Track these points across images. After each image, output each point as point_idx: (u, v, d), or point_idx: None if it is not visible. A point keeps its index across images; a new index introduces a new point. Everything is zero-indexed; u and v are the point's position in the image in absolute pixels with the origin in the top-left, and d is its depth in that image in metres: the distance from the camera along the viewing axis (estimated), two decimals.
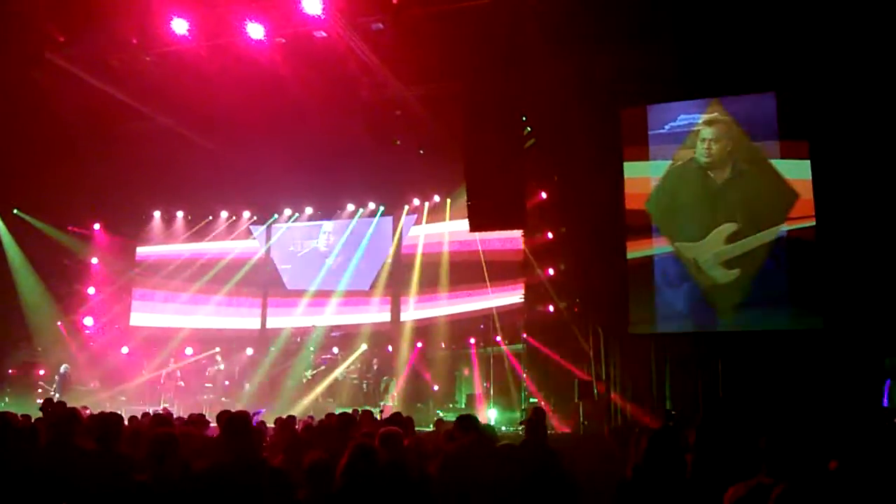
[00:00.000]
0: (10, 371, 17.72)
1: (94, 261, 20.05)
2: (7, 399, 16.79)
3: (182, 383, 17.87)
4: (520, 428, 12.22)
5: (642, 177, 13.39)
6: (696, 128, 13.10)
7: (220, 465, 4.22)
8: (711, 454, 4.08)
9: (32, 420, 7.39)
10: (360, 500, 4.01)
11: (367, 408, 12.11)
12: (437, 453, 5.95)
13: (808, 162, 12.33)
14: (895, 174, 11.48)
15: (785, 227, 12.34)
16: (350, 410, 11.03)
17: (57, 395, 14.88)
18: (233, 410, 6.23)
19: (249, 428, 4.36)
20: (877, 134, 11.62)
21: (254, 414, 10.56)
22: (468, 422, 5.87)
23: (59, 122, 15.82)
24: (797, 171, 12.43)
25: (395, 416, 8.00)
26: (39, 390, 17.03)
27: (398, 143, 16.12)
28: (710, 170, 12.96)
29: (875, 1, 11.12)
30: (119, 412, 13.71)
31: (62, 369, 17.03)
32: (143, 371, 18.42)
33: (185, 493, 4.05)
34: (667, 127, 13.33)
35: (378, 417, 10.34)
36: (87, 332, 19.40)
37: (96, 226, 20.04)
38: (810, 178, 12.29)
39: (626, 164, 13.47)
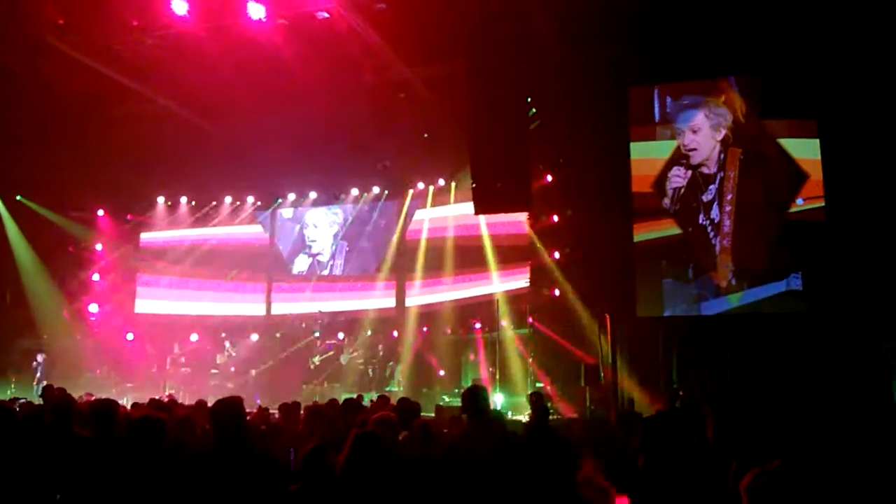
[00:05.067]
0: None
1: (99, 247, 19.98)
2: (13, 387, 16.76)
3: (187, 369, 17.82)
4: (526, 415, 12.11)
5: (649, 157, 13.22)
6: (704, 107, 12.92)
7: (204, 451, 4.11)
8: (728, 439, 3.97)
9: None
10: (358, 488, 3.90)
11: (379, 393, 12.00)
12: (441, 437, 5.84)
13: (817, 141, 12.15)
14: None
15: (794, 208, 12.18)
16: (355, 395, 10.95)
17: (44, 383, 14.79)
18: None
19: (238, 415, 4.22)
20: (886, 113, 11.43)
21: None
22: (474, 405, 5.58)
23: (61, 107, 15.74)
24: (806, 151, 12.26)
25: (403, 402, 7.91)
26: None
27: (426, 136, 16.08)
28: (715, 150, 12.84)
29: None
30: (124, 399, 13.81)
31: (40, 358, 17.00)
32: (147, 358, 18.35)
33: (169, 480, 3.95)
34: (674, 106, 13.15)
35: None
36: (92, 319, 19.35)
37: (100, 212, 19.96)
38: (819, 157, 12.11)
39: (633, 144, 13.29)
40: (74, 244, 19.62)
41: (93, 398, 9.28)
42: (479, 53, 11.86)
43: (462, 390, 15.65)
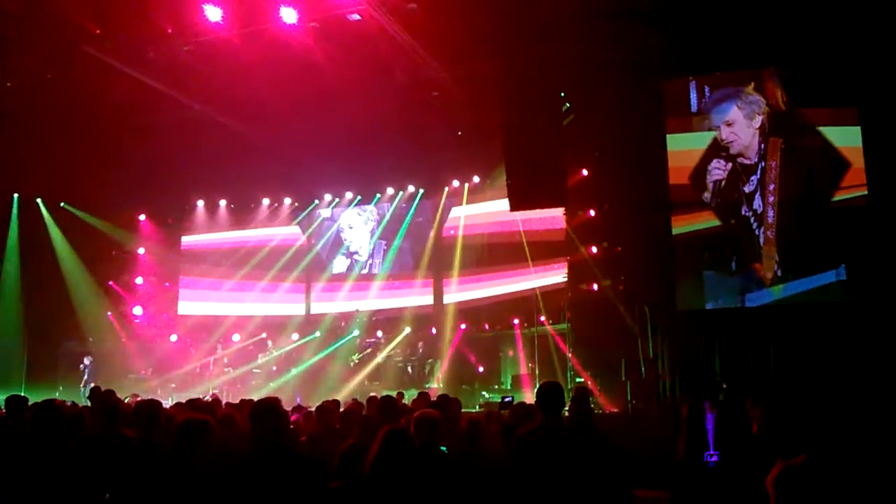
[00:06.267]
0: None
1: (141, 251, 20.34)
2: (61, 388, 17.16)
3: (230, 369, 18.07)
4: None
5: (686, 149, 13.06)
6: (736, 97, 12.74)
7: (243, 454, 4.14)
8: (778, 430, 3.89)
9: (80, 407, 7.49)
10: (391, 486, 3.92)
11: (419, 390, 12.03)
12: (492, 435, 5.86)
13: (859, 129, 11.90)
14: None
15: (837, 197, 11.94)
16: (395, 393, 11.02)
17: (91, 385, 15.09)
18: (280, 396, 6.16)
19: (277, 415, 4.24)
20: None
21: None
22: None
23: (101, 115, 16.00)
24: (847, 139, 12.01)
25: (442, 398, 7.94)
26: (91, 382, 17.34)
27: (460, 133, 16.11)
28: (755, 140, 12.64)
29: None
30: (168, 399, 14.04)
31: (86, 360, 17.35)
32: (191, 358, 18.64)
33: (209, 482, 4.01)
34: (710, 98, 12.98)
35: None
36: (137, 321, 19.71)
37: (141, 216, 20.32)
38: (861, 145, 11.86)
39: (669, 136, 13.13)
40: (117, 248, 20.01)
41: (139, 399, 9.45)
42: (511, 51, 11.84)
43: (501, 385, 15.87)
